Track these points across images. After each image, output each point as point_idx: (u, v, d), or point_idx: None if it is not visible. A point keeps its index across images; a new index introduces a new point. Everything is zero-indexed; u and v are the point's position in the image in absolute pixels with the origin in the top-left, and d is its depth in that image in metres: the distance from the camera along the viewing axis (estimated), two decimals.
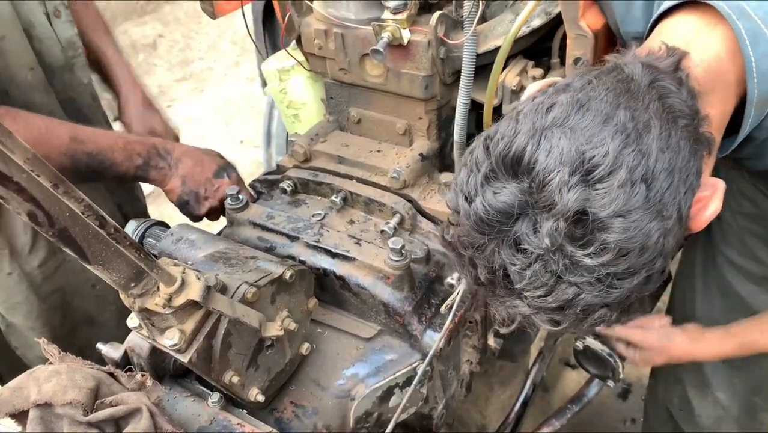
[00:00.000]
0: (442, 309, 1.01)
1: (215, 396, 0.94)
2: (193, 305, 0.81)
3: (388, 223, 1.10)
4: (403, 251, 1.01)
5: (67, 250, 0.67)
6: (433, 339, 1.05)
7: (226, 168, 1.24)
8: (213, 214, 1.25)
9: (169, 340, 0.81)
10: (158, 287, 0.75)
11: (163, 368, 0.99)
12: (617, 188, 0.59)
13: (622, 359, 1.27)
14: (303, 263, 1.09)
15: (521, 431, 1.65)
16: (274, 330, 0.91)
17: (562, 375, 2.28)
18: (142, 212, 1.49)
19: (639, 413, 2.07)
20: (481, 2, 1.01)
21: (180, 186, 1.18)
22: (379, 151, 1.20)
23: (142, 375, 0.91)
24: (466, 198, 0.65)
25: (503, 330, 0.73)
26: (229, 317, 0.84)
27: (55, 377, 0.86)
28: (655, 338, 1.13)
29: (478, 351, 1.24)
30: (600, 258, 0.60)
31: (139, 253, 0.70)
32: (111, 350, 0.99)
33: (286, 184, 1.20)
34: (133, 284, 0.74)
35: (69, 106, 1.19)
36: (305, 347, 1.03)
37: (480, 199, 0.63)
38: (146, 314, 0.79)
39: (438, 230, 0.93)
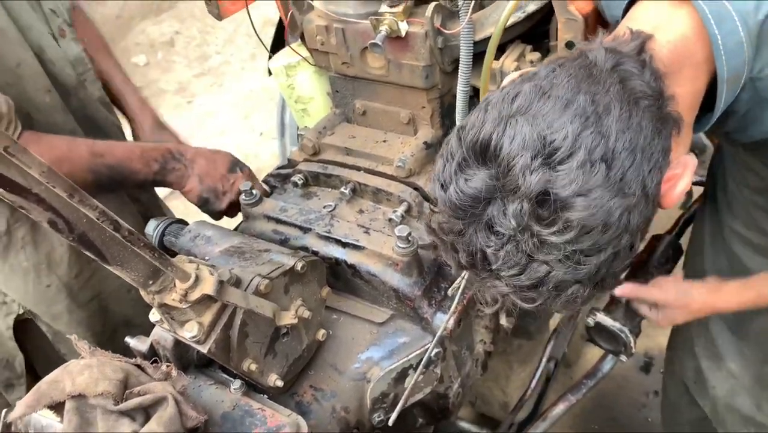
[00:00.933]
0: (450, 291, 1.05)
1: (237, 383, 1.00)
2: (208, 299, 0.86)
3: (395, 211, 1.13)
4: (410, 238, 1.05)
5: (87, 253, 0.72)
6: (443, 321, 1.09)
7: (238, 163, 1.29)
8: (231, 210, 1.30)
9: (188, 332, 0.86)
10: (174, 284, 0.80)
11: (187, 359, 1.04)
12: (576, 169, 0.62)
13: (633, 333, 1.29)
14: (316, 253, 1.13)
15: (543, 406, 1.68)
16: (288, 319, 0.95)
17: (585, 351, 2.30)
18: (162, 213, 1.54)
19: (660, 386, 2.09)
20: None
21: (198, 185, 1.23)
22: (384, 141, 1.23)
23: (167, 366, 0.97)
24: (442, 186, 0.69)
25: (487, 310, 0.77)
26: (243, 309, 0.89)
27: (87, 370, 0.92)
28: (674, 294, 1.13)
29: (490, 331, 1.28)
30: (565, 235, 0.63)
31: (153, 253, 0.74)
32: (138, 344, 1.05)
33: (297, 178, 1.24)
34: (151, 282, 0.80)
35: (86, 123, 1.24)
36: (321, 334, 1.08)
37: (453, 186, 0.67)
38: (165, 309, 0.84)
39: (426, 219, 0.97)
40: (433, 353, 1.10)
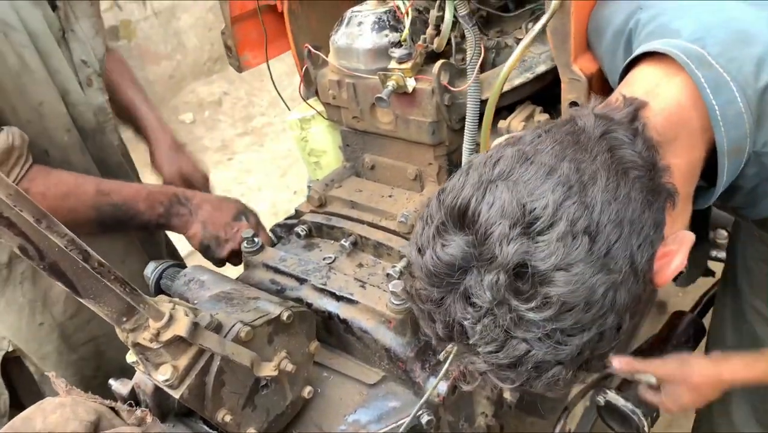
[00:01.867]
0: (440, 356, 1.00)
1: None
2: (183, 342, 0.83)
3: (394, 266, 1.10)
4: (404, 295, 1.01)
5: (59, 283, 0.71)
6: (438, 388, 1.03)
7: (244, 212, 1.29)
8: (234, 258, 1.29)
9: (162, 375, 0.83)
10: (149, 323, 0.78)
11: (167, 406, 1.01)
12: (557, 241, 0.58)
13: (647, 415, 1.19)
14: (309, 305, 1.10)
15: None
16: (268, 370, 0.92)
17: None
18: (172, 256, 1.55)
19: None
20: (483, 50, 1.03)
21: (201, 231, 1.23)
22: (390, 196, 1.22)
23: (143, 411, 0.93)
24: (419, 250, 0.66)
25: (466, 388, 0.72)
26: (220, 356, 0.86)
27: (59, 409, 0.89)
28: (673, 366, 1.04)
29: (492, 403, 1.20)
30: (544, 312, 0.59)
31: (125, 287, 0.73)
32: (120, 387, 1.02)
33: (300, 229, 1.23)
34: (125, 318, 0.78)
35: (101, 166, 1.28)
36: (307, 391, 1.03)
37: (430, 251, 0.64)
38: (140, 348, 0.82)
39: (404, 282, 0.94)
40: (425, 420, 1.03)
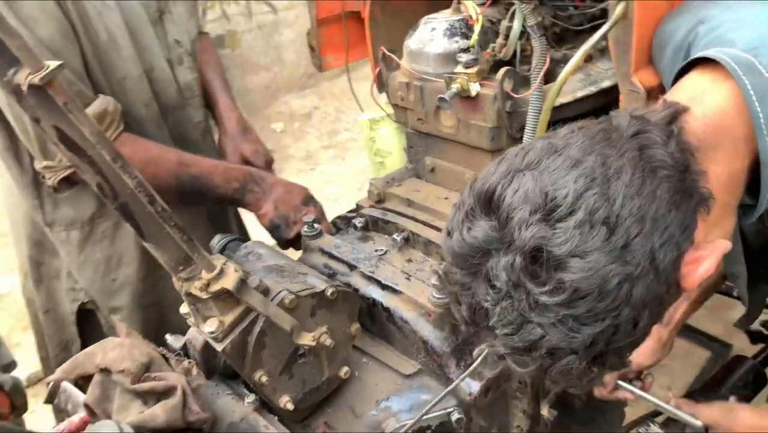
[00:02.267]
0: (475, 353, 1.01)
1: (251, 397, 1.01)
2: (233, 300, 0.90)
3: (441, 264, 1.13)
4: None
5: (128, 224, 0.80)
6: (470, 387, 1.04)
7: (312, 199, 1.36)
8: (298, 241, 1.36)
9: (208, 327, 0.90)
10: (201, 274, 0.86)
11: (214, 365, 1.08)
12: (574, 228, 0.60)
13: None
14: (356, 291, 1.15)
15: None
16: (307, 340, 0.97)
17: None
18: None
19: None
20: (548, 60, 1.06)
21: (272, 210, 1.31)
22: (446, 198, 1.25)
23: (189, 363, 1.01)
24: (448, 233, 0.70)
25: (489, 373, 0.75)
26: (264, 317, 0.92)
27: (117, 349, 0.98)
28: (717, 412, 1.01)
29: (528, 417, 1.19)
30: (556, 297, 0.61)
31: (183, 235, 0.80)
32: (174, 341, 1.11)
33: (357, 221, 1.28)
34: (181, 267, 0.85)
35: (179, 141, 1.39)
36: (344, 371, 1.07)
37: (457, 234, 0.67)
38: (192, 299, 0.89)
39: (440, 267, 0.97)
40: (455, 418, 1.05)
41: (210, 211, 1.47)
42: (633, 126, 0.67)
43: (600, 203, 0.61)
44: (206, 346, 1.05)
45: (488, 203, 0.66)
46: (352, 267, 1.18)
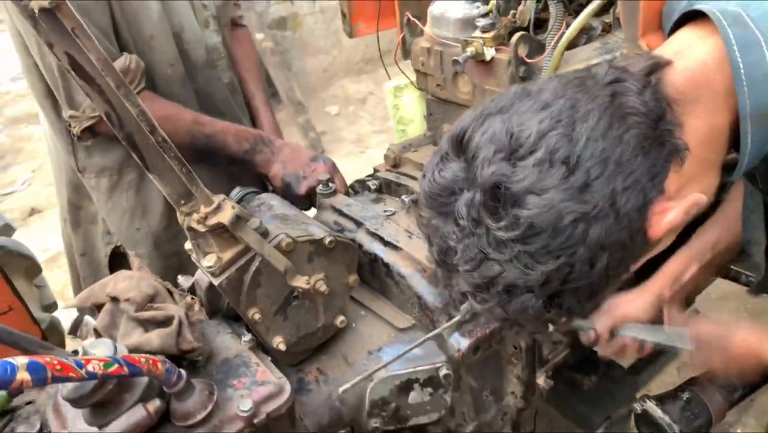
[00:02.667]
0: (462, 307, 1.02)
1: (248, 336, 1.06)
2: (232, 239, 0.95)
3: None
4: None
5: (133, 155, 0.85)
6: (460, 343, 1.06)
7: (321, 156, 1.40)
8: (311, 199, 1.40)
9: (207, 262, 0.95)
10: (201, 208, 0.90)
11: (217, 306, 1.13)
12: (533, 166, 0.62)
13: None
14: (360, 246, 1.18)
15: None
16: (301, 282, 1.00)
17: None
18: None
19: None
20: (563, 25, 1.05)
21: (282, 170, 1.36)
22: None
23: (192, 299, 1.07)
24: (423, 176, 0.72)
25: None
26: (260, 257, 0.96)
27: (127, 280, 1.05)
28: (716, 330, 0.99)
29: (523, 384, 1.20)
30: (512, 232, 0.62)
31: (182, 167, 0.85)
32: (183, 281, 1.16)
33: (371, 183, 1.31)
34: (183, 202, 0.90)
35: (206, 100, 1.44)
36: (340, 320, 1.10)
37: (429, 175, 0.70)
38: (193, 234, 0.94)
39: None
40: (443, 374, 1.06)
41: (231, 172, 1.51)
42: (610, 75, 0.67)
43: (562, 143, 0.62)
44: (211, 287, 1.10)
45: (459, 145, 0.68)
46: (359, 224, 1.21)
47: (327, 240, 1.03)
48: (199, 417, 0.89)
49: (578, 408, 1.55)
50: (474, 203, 0.64)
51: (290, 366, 1.10)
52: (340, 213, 1.26)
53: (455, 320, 1.00)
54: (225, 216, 0.89)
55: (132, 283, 1.04)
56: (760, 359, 0.95)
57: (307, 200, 1.39)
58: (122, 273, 1.07)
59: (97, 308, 1.08)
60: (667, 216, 0.66)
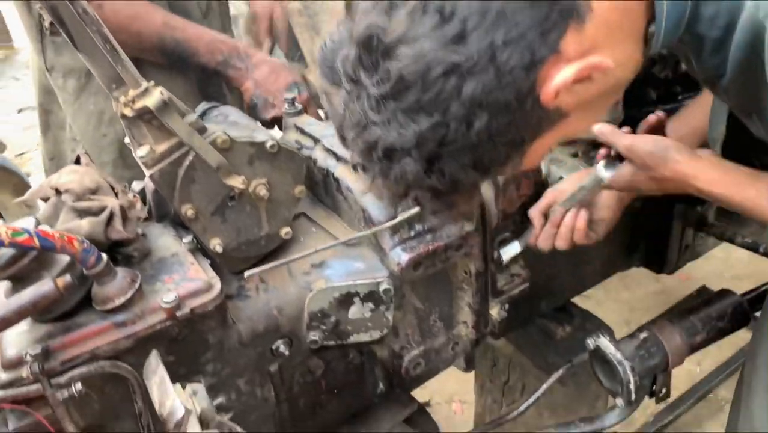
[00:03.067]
0: (399, 216, 0.99)
1: (188, 238, 1.05)
2: (167, 132, 0.93)
3: None
4: None
5: (61, 31, 0.84)
6: (400, 257, 1.03)
7: (299, 85, 1.37)
8: (279, 124, 1.38)
9: (140, 152, 0.94)
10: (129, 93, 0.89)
11: (164, 210, 1.13)
12: (405, 15, 0.59)
13: (638, 375, 1.07)
14: (315, 161, 1.16)
15: None
16: (236, 182, 0.98)
17: None
18: None
19: None
20: None
21: (252, 89, 1.33)
22: None
23: (134, 196, 1.06)
24: (321, 48, 0.70)
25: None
26: (194, 153, 0.95)
27: (72, 174, 1.05)
28: (650, 147, 0.89)
29: (474, 313, 1.16)
30: (384, 87, 0.60)
31: (107, 44, 0.84)
32: (136, 185, 1.17)
33: None
34: (114, 86, 0.89)
35: (178, 9, 1.40)
36: (285, 231, 1.09)
37: (324, 42, 0.68)
38: (127, 123, 0.94)
39: None
40: (382, 289, 1.04)
41: (203, 86, 1.50)
42: None
43: None
44: (157, 192, 1.10)
45: (349, 9, 0.66)
46: (316, 141, 1.19)
47: (269, 144, 1.01)
48: (118, 302, 0.89)
49: (550, 358, 1.51)
50: (349, 59, 0.62)
51: (233, 273, 1.09)
52: (302, 132, 1.24)
53: (391, 222, 0.97)
54: (152, 100, 0.88)
55: (76, 176, 1.04)
56: (689, 186, 0.87)
57: (271, 126, 1.37)
58: (69, 167, 1.08)
59: (45, 201, 1.10)
60: (558, 75, 0.62)
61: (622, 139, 0.93)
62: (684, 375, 2.24)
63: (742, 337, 2.21)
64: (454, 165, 0.64)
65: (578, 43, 0.62)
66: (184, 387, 0.85)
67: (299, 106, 1.28)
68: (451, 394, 2.28)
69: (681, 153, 0.87)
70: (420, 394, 2.33)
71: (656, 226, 1.57)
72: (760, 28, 0.63)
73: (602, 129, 0.94)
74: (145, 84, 0.88)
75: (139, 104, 0.88)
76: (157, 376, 0.85)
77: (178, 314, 0.92)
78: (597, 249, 1.32)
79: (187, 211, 0.98)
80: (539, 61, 0.61)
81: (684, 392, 2.10)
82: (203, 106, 1.28)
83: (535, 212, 1.05)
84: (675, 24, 0.65)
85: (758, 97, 0.68)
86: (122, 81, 0.88)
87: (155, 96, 0.88)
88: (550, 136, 0.71)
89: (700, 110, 1.04)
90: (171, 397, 0.80)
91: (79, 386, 0.84)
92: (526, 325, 1.50)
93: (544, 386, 1.24)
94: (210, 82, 1.50)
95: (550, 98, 0.63)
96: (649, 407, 2.16)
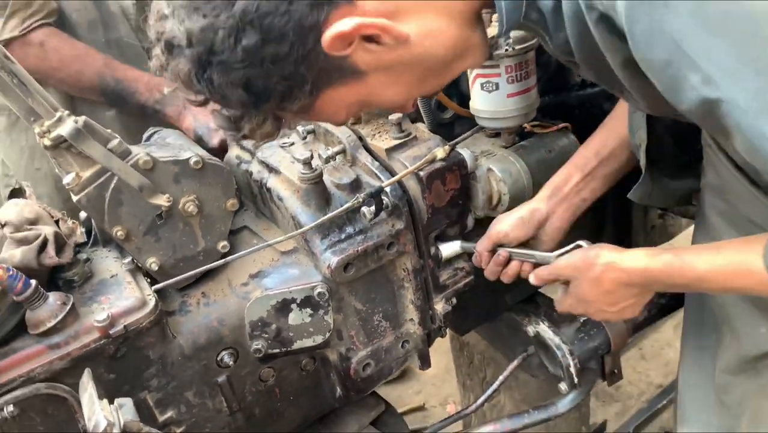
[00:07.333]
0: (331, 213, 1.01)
1: (128, 259, 1.08)
2: (91, 160, 0.97)
3: (328, 149, 1.13)
4: (313, 165, 1.05)
5: None
6: (329, 260, 1.05)
7: None
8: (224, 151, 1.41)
9: (66, 180, 0.98)
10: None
11: (109, 235, 1.16)
12: None
13: (578, 358, 1.07)
14: (251, 174, 1.19)
15: None
16: (160, 200, 1.01)
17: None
18: None
19: None
20: None
21: (193, 122, 1.38)
22: None
23: (74, 223, 1.10)
24: None
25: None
26: (117, 176, 0.98)
27: (15, 207, 1.09)
28: (577, 257, 0.93)
29: (418, 310, 1.17)
30: None
31: (13, 79, 0.88)
32: (83, 213, 1.20)
33: None
34: (32, 119, 0.94)
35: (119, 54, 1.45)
36: (221, 245, 1.11)
37: None
38: (51, 153, 0.98)
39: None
40: (316, 292, 1.06)
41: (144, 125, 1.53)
42: None
43: None
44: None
45: None
46: (252, 154, 1.22)
47: (192, 160, 1.04)
48: (49, 324, 0.93)
49: (518, 351, 1.51)
50: None
51: (177, 290, 1.12)
52: (241, 147, 1.27)
53: (315, 223, 1.00)
54: (65, 129, 0.92)
55: (17, 209, 1.08)
56: (621, 271, 0.86)
57: (221, 153, 1.41)
58: (12, 201, 1.12)
59: None
60: (333, 27, 0.64)
61: (558, 266, 0.96)
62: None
63: None
64: (222, 78, 0.67)
65: (380, 4, 0.65)
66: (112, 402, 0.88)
67: None
68: (445, 396, 2.28)
69: (609, 251, 0.89)
70: (416, 399, 2.35)
71: (620, 208, 1.56)
72: None
73: (538, 275, 0.99)
74: (59, 114, 0.92)
75: (53, 133, 0.92)
76: (87, 393, 0.88)
77: (112, 331, 0.95)
78: None
79: (118, 232, 1.01)
80: (327, 2, 0.63)
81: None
82: (150, 131, 1.33)
83: (480, 249, 1.06)
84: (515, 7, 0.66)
85: (610, 73, 0.69)
86: (37, 113, 0.92)
87: (68, 124, 0.92)
88: (346, 91, 0.73)
89: (602, 131, 1.05)
90: (96, 411, 0.83)
91: (11, 408, 0.87)
92: (493, 319, 1.50)
93: (501, 378, 1.24)
94: (149, 122, 1.56)
95: (328, 44, 0.66)
96: (644, 393, 2.14)
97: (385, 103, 0.83)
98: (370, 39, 0.68)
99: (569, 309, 0.96)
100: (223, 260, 1.05)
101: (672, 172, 1.01)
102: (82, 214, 1.21)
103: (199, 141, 1.40)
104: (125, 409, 0.85)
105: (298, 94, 0.71)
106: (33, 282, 0.92)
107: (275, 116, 0.81)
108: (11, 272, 0.89)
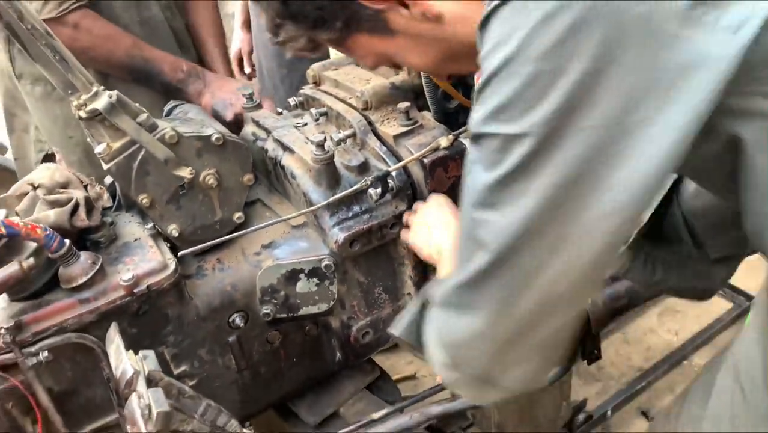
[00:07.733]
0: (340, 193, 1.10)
1: (150, 224, 1.17)
2: (121, 132, 1.05)
3: (339, 132, 1.21)
4: (325, 147, 1.13)
5: (19, 45, 0.96)
6: (337, 235, 1.13)
7: (249, 87, 1.49)
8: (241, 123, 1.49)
9: (98, 149, 1.06)
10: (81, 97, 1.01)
11: (132, 201, 1.25)
12: None
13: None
14: (266, 151, 1.27)
15: None
16: (184, 172, 1.10)
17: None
18: None
19: None
20: None
21: (211, 99, 1.46)
22: (368, 80, 1.31)
23: (101, 188, 1.19)
24: None
25: None
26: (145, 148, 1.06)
27: (45, 171, 1.17)
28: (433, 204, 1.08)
29: (416, 286, 1.26)
30: None
31: (55, 54, 0.96)
32: (108, 179, 1.29)
33: (292, 100, 1.39)
34: (70, 92, 1.02)
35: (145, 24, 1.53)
36: (237, 216, 1.20)
37: None
38: (85, 124, 1.06)
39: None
40: (324, 264, 1.15)
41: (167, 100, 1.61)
42: None
43: None
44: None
45: None
46: (268, 132, 1.30)
47: (214, 137, 1.12)
48: (81, 281, 1.02)
49: None
50: None
51: (194, 256, 1.21)
52: (257, 124, 1.35)
53: (329, 201, 1.09)
54: (101, 103, 1.00)
55: (49, 173, 1.17)
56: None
57: (235, 126, 1.48)
58: (43, 165, 1.20)
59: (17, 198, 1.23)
60: None
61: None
62: (662, 345, 2.31)
63: (722, 306, 2.28)
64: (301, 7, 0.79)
65: None
66: (137, 354, 0.97)
67: (257, 99, 1.39)
68: None
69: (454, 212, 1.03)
70: (407, 368, 2.46)
71: None
72: None
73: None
74: (95, 88, 1.00)
75: (90, 106, 1.00)
76: (114, 344, 0.98)
77: (136, 290, 1.04)
78: None
79: (143, 200, 1.10)
80: None
81: (659, 360, 2.18)
82: (171, 104, 1.41)
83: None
84: None
85: None
86: (75, 87, 1.00)
87: (104, 99, 1.00)
88: (375, 42, 0.81)
89: None
90: (123, 361, 0.93)
91: (46, 354, 0.97)
92: None
93: None
94: (172, 97, 1.64)
95: None
96: (625, 375, 2.24)
97: (410, 66, 0.90)
98: (405, 5, 0.75)
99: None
100: (241, 232, 1.14)
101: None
102: (107, 180, 1.31)
103: (215, 115, 1.48)
104: (149, 360, 0.95)
105: (330, 27, 0.79)
106: (67, 241, 1.01)
107: (310, 38, 0.87)
108: (48, 231, 0.98)
